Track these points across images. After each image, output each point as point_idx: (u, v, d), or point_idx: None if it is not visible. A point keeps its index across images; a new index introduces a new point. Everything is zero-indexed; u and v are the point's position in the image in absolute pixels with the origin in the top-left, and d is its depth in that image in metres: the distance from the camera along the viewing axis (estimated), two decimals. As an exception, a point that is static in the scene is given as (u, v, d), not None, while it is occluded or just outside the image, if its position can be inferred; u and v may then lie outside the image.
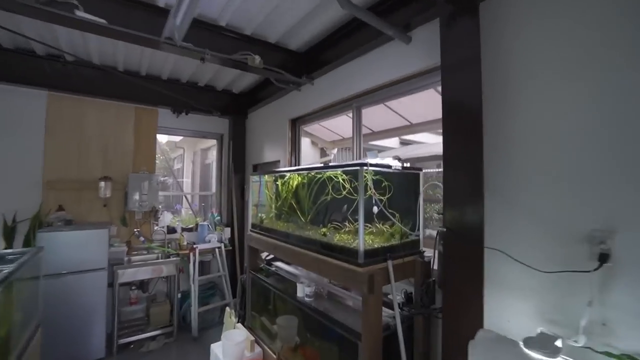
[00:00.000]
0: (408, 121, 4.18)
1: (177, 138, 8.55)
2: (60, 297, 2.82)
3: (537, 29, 1.39)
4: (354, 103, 2.69)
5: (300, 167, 2.19)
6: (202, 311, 3.70)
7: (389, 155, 1.77)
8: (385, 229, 1.70)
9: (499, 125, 1.47)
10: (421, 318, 1.72)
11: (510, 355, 1.00)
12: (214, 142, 4.87)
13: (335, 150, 6.29)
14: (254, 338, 2.44)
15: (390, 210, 1.67)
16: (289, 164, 3.49)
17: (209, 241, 4.00)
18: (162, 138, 10.30)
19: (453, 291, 1.50)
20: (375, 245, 1.60)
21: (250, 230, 2.67)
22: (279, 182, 2.33)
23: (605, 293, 1.17)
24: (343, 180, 1.76)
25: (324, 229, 1.87)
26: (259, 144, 4.21)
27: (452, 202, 1.53)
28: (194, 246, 3.76)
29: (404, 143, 6.89)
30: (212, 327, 3.82)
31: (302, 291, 2.05)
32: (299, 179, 2.11)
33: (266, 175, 2.57)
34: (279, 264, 2.72)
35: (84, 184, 3.41)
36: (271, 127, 3.91)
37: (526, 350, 1.01)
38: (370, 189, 1.55)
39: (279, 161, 3.71)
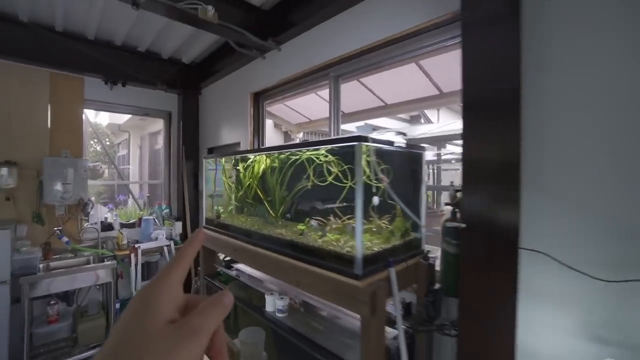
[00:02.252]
0: (383, 101, 3.84)
1: (120, 120, 7.45)
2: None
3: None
4: (331, 72, 2.24)
5: (270, 146, 1.73)
6: (148, 322, 3.10)
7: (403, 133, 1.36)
8: (383, 225, 1.30)
9: (543, 98, 1.13)
10: (424, 335, 1.38)
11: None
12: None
13: (300, 135, 5.81)
14: (210, 360, 1.96)
15: (389, 201, 1.28)
16: (251, 146, 2.97)
17: (156, 238, 3.36)
18: (101, 120, 8.97)
19: (476, 303, 1.16)
20: (375, 248, 1.20)
21: (204, 227, 2.14)
22: (240, 167, 1.83)
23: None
24: (328, 162, 1.32)
25: (301, 226, 1.44)
26: (215, 123, 3.60)
27: (474, 191, 1.17)
28: (136, 245, 3.11)
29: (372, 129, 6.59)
30: (160, 340, 3.24)
31: (273, 304, 1.61)
32: (267, 162, 1.63)
33: (223, 159, 2.04)
34: (240, 266, 2.24)
35: (-24, 170, 2.59)
36: (229, 103, 3.32)
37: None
38: (374, 171, 1.14)
39: (239, 143, 3.17)
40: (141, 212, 3.86)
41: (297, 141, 5.74)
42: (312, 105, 4.29)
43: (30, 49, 2.75)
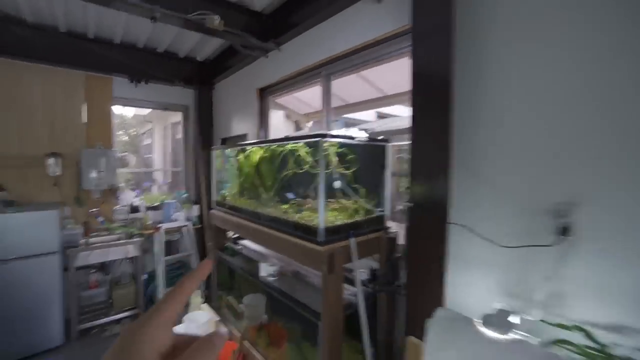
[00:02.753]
0: (382, 92, 4.03)
1: (145, 111, 8.00)
2: (8, 284, 2.60)
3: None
4: (323, 71, 2.51)
5: (259, 140, 2.03)
6: (171, 291, 3.57)
7: (365, 129, 1.64)
8: (349, 205, 1.60)
9: (469, 98, 1.37)
10: (385, 295, 1.68)
11: (466, 334, 0.96)
12: (180, 115, 4.53)
13: (310, 124, 6.08)
14: (219, 318, 2.36)
15: (355, 185, 1.57)
16: (257, 137, 3.30)
17: (176, 220, 3.81)
18: (127, 112, 9.61)
19: (417, 267, 1.45)
20: (338, 223, 1.51)
21: (214, 208, 2.52)
22: (240, 157, 2.17)
23: (563, 266, 1.14)
24: (306, 153, 1.63)
25: (285, 206, 1.76)
26: (227, 116, 3.96)
27: (418, 176, 1.44)
28: (159, 225, 3.57)
29: (382, 116, 6.75)
30: (182, 307, 3.73)
31: (266, 271, 1.96)
32: (261, 152, 1.95)
33: (228, 150, 2.39)
34: (245, 242, 2.61)
35: (28, 160, 3.08)
36: (238, 97, 3.65)
37: (481, 329, 0.96)
38: (331, 162, 1.43)
39: (246, 135, 3.51)
40: (164, 197, 4.33)
41: (307, 130, 6.03)
42: (318, 97, 4.54)
43: (69, 55, 3.18)
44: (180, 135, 5.11)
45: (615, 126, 1.04)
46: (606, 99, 1.06)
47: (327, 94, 2.54)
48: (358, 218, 1.60)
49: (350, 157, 1.59)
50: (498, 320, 0.99)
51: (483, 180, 1.32)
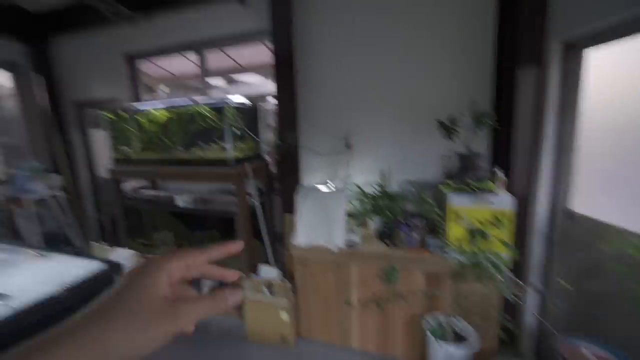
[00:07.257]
0: (238, 64, 4.83)
1: None
2: None
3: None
4: (195, 46, 3.14)
5: (174, 104, 2.59)
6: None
7: (222, 94, 2.56)
8: (244, 146, 2.57)
9: (306, 78, 2.54)
10: (268, 199, 2.81)
11: (313, 190, 2.22)
12: None
13: (167, 89, 6.12)
14: (139, 253, 2.91)
15: (247, 133, 2.55)
16: (133, 101, 3.55)
17: (34, 191, 3.59)
18: None
19: (284, 177, 2.63)
20: (239, 156, 2.47)
21: (116, 166, 2.88)
22: (142, 119, 2.66)
23: (350, 161, 2.57)
24: (209, 113, 2.43)
25: (199, 151, 2.54)
26: (81, 79, 3.82)
27: (282, 125, 2.56)
28: (18, 198, 3.35)
29: (230, 82, 7.45)
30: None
31: (182, 200, 2.71)
32: (167, 114, 2.56)
33: (125, 113, 2.77)
34: (145, 192, 3.12)
35: None
36: (99, 61, 3.64)
37: (319, 188, 2.25)
38: (233, 118, 2.35)
39: (116, 99, 3.65)
40: None
41: (164, 94, 6.08)
42: (177, 63, 4.82)
43: None
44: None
45: (375, 94, 2.46)
46: (377, 84, 2.43)
47: (203, 67, 3.21)
48: (249, 154, 2.61)
49: (240, 115, 2.52)
50: (325, 185, 2.31)
51: (313, 123, 2.59)
